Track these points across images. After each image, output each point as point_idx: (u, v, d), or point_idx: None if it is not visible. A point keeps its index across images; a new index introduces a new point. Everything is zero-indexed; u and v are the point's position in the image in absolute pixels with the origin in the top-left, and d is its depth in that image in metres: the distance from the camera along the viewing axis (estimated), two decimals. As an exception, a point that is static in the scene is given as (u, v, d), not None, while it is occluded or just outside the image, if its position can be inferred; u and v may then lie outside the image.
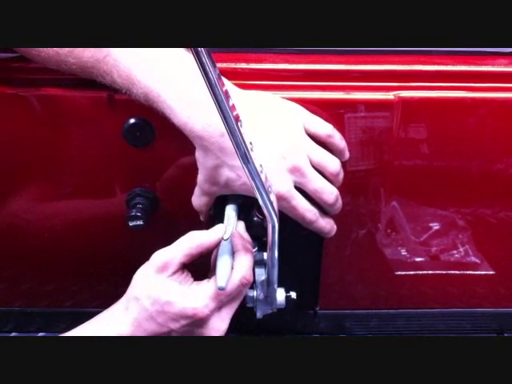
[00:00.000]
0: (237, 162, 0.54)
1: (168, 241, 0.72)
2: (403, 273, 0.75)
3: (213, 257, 0.59)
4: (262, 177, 0.51)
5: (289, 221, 0.62)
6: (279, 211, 0.58)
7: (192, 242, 0.57)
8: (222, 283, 0.54)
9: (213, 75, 0.46)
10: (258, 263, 0.63)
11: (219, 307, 0.56)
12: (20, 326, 0.80)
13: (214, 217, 0.65)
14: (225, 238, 0.58)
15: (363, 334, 0.80)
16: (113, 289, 0.77)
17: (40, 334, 0.80)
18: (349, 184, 0.65)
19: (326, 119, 0.61)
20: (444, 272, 0.75)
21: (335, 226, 0.64)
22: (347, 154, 0.63)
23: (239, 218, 0.66)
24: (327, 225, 0.63)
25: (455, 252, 0.74)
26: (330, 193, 0.60)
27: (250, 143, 0.50)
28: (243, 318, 0.66)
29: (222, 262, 0.56)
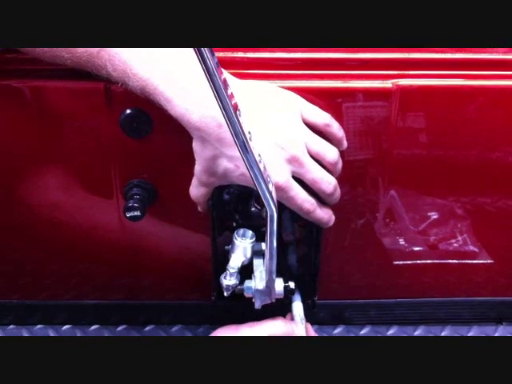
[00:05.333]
0: (235, 152, 0.53)
1: (166, 232, 0.72)
2: (402, 262, 0.75)
3: None
4: (261, 166, 0.50)
5: (287, 211, 0.62)
6: (277, 202, 0.58)
7: None
8: None
9: (211, 63, 0.45)
10: (256, 254, 0.63)
11: None
12: (19, 319, 0.80)
13: (212, 207, 0.65)
14: None
15: (362, 324, 0.80)
16: (111, 281, 0.77)
17: (38, 327, 0.80)
18: (347, 174, 0.65)
19: (324, 108, 0.61)
20: (443, 261, 0.76)
21: (333, 217, 0.64)
22: (345, 144, 0.63)
23: (237, 209, 0.65)
24: (325, 215, 0.63)
25: (454, 241, 0.74)
26: (328, 182, 0.60)
27: (249, 132, 0.50)
28: (241, 308, 0.66)
29: None
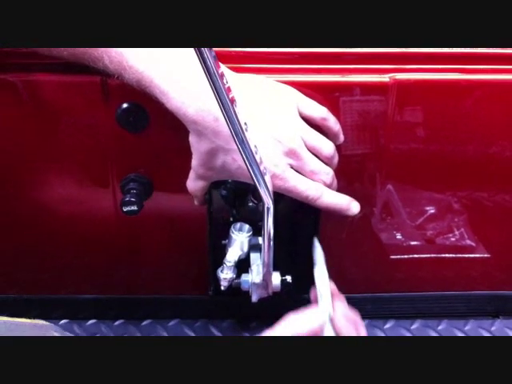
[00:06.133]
0: (232, 145, 0.53)
1: (163, 227, 0.72)
2: (399, 257, 0.75)
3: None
4: (257, 158, 0.50)
5: (284, 205, 0.62)
6: (279, 195, 0.58)
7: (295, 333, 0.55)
8: None
9: (209, 57, 0.45)
10: (253, 248, 0.63)
11: None
12: (16, 314, 0.80)
13: (209, 201, 0.65)
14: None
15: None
16: (108, 276, 0.77)
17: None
18: (344, 168, 0.64)
19: (321, 102, 0.61)
20: (440, 256, 0.76)
21: (355, 202, 0.62)
22: (342, 137, 0.63)
23: (234, 203, 0.65)
24: (340, 199, 0.61)
25: (451, 236, 0.74)
26: (326, 173, 0.60)
27: (245, 123, 0.50)
28: (238, 303, 0.66)
29: None
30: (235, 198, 0.65)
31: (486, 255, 0.75)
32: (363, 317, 0.80)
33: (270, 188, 0.53)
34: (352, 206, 0.63)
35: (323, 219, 0.66)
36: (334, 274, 0.76)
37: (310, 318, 0.56)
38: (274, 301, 0.65)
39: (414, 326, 0.80)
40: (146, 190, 0.66)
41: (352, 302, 0.79)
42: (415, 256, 0.75)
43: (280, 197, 0.59)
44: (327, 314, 0.57)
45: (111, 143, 0.65)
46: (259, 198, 0.54)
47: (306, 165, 0.59)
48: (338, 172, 0.63)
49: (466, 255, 0.75)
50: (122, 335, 0.78)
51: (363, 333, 0.58)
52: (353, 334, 0.56)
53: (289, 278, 0.64)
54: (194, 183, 0.62)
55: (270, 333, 0.55)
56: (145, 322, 0.80)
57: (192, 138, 0.58)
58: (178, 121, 0.57)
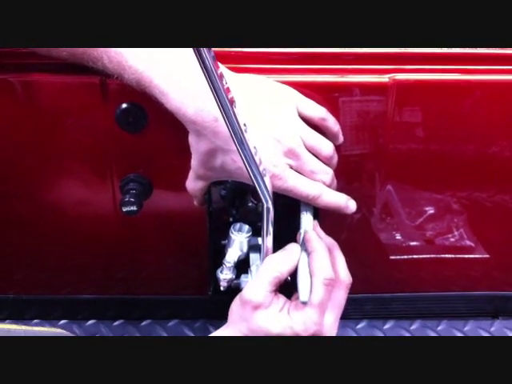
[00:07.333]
0: (231, 146, 0.53)
1: (162, 227, 0.72)
2: (399, 257, 0.75)
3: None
4: (257, 159, 0.50)
5: (283, 205, 0.62)
6: (278, 195, 0.58)
7: (275, 270, 0.57)
8: (304, 298, 0.55)
9: (207, 57, 0.45)
10: (252, 248, 0.63)
11: (322, 318, 0.56)
12: (15, 314, 0.80)
13: (209, 202, 0.65)
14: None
15: (359, 319, 0.80)
16: (108, 276, 0.77)
17: (35, 322, 0.80)
18: (344, 168, 0.64)
19: (320, 103, 0.61)
20: (440, 256, 0.76)
21: (352, 201, 0.63)
22: (341, 138, 0.63)
23: (234, 204, 0.65)
24: (338, 198, 0.62)
25: (450, 236, 0.74)
26: (325, 173, 0.60)
27: (244, 125, 0.50)
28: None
29: (301, 274, 0.57)
30: (235, 198, 0.65)
31: (485, 255, 0.75)
32: (362, 317, 0.81)
33: (270, 189, 0.53)
34: (350, 204, 0.63)
35: (322, 219, 0.66)
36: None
37: (286, 255, 0.59)
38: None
39: (413, 327, 0.80)
40: (146, 190, 0.66)
41: (351, 303, 0.79)
42: (415, 256, 0.75)
43: (279, 196, 0.59)
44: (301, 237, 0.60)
45: (110, 143, 0.64)
46: (259, 199, 0.54)
47: (306, 165, 0.59)
48: (338, 172, 0.63)
49: (466, 255, 0.75)
50: (121, 335, 0.78)
51: (340, 256, 0.62)
52: (325, 254, 0.58)
53: (288, 278, 0.64)
54: (193, 183, 0.62)
55: (254, 281, 0.57)
56: (144, 323, 0.80)
57: (191, 139, 0.58)
58: (178, 121, 0.57)
